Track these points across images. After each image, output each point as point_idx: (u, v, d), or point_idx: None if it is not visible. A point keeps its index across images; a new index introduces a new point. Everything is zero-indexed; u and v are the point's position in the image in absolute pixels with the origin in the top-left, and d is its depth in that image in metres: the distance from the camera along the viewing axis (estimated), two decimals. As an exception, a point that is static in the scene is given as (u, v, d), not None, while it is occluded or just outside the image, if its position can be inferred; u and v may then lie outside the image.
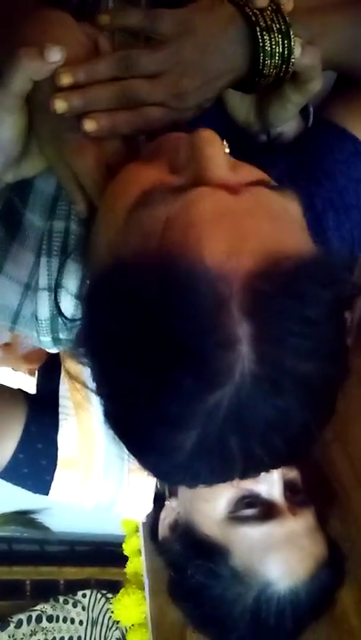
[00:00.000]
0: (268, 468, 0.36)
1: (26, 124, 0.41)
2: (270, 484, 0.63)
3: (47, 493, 0.69)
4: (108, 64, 0.39)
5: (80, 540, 1.85)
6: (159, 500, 0.74)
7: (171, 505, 0.72)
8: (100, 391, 0.36)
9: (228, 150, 0.37)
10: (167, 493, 0.73)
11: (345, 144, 0.52)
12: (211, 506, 0.65)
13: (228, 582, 0.63)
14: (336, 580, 0.65)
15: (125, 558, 1.16)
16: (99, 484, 0.69)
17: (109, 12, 0.41)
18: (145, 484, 0.72)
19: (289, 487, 0.65)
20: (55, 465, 0.66)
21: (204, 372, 0.30)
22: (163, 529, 0.73)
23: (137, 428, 0.34)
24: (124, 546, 1.15)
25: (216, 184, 0.34)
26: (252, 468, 0.35)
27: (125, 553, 1.14)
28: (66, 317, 0.48)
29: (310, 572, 0.61)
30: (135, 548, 1.11)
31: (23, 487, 0.69)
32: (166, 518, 0.73)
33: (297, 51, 0.42)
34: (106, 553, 1.75)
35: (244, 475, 0.35)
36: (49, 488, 0.68)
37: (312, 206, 0.50)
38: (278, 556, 0.61)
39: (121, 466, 0.70)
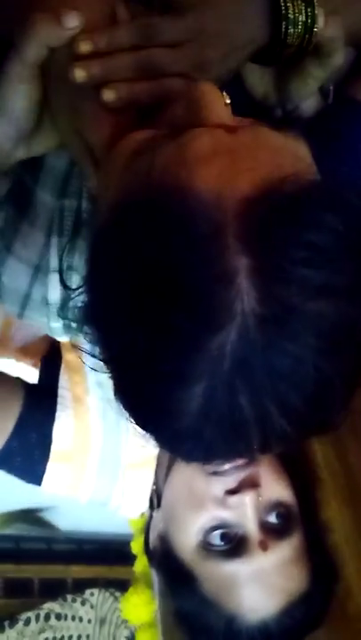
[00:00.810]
0: (289, 436, 0.32)
1: (40, 95, 0.39)
2: (243, 513, 0.61)
3: (39, 484, 0.68)
4: (129, 32, 0.38)
5: (88, 539, 1.84)
6: (152, 507, 0.74)
7: (157, 517, 0.71)
8: (105, 358, 0.34)
9: (228, 101, 0.35)
10: (155, 503, 0.72)
11: None
12: (183, 534, 0.64)
13: (199, 607, 0.63)
14: (318, 608, 0.63)
15: (133, 557, 1.14)
16: (92, 479, 0.68)
17: None
18: (141, 480, 0.71)
19: (274, 509, 0.63)
20: (48, 457, 0.65)
21: (200, 311, 0.27)
22: (152, 539, 0.72)
23: (140, 391, 0.32)
24: (132, 544, 1.13)
25: (213, 124, 0.32)
26: (272, 437, 0.31)
27: (133, 551, 1.13)
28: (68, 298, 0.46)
29: (281, 608, 0.60)
30: (143, 547, 1.10)
31: (16, 476, 0.69)
32: (155, 528, 0.72)
33: (320, 20, 0.41)
34: (114, 552, 1.74)
35: (265, 446, 0.32)
36: (41, 479, 0.68)
37: (335, 185, 0.48)
38: (244, 592, 0.60)
39: (117, 461, 0.69)
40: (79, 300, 0.46)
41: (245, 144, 0.31)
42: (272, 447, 0.33)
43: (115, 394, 0.34)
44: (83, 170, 0.41)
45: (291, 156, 0.32)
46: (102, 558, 1.77)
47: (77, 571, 1.73)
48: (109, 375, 0.34)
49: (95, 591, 1.67)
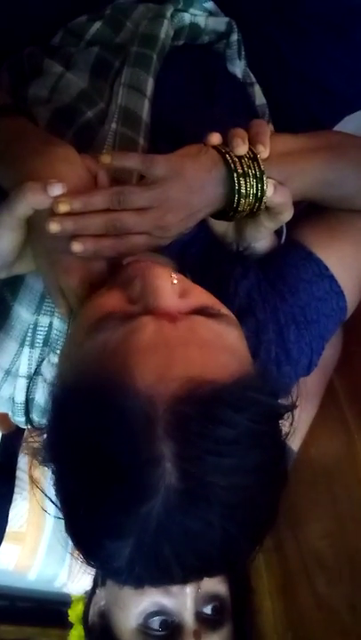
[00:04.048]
0: (206, 574, 0.40)
1: (23, 238, 0.46)
2: (183, 603, 0.65)
3: None
4: (102, 198, 0.45)
5: (22, 596, 1.77)
6: (96, 584, 0.76)
7: (100, 594, 0.74)
8: (57, 496, 0.40)
9: (176, 282, 0.42)
10: (99, 581, 0.75)
11: (310, 265, 0.57)
12: (124, 614, 0.67)
13: None
14: None
15: (68, 621, 1.13)
16: (41, 560, 0.71)
17: (111, 153, 0.46)
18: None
19: (210, 602, 0.67)
20: (2, 538, 0.68)
21: (133, 486, 0.34)
22: (92, 614, 0.75)
23: (81, 534, 0.39)
24: (69, 612, 1.12)
25: (159, 313, 0.39)
26: (191, 575, 0.39)
27: (70, 620, 1.12)
28: (29, 416, 0.51)
29: None
30: (81, 616, 1.09)
31: None
32: (96, 604, 0.74)
33: (269, 191, 0.48)
34: (48, 612, 1.68)
35: (186, 581, 0.39)
36: None
37: (276, 320, 0.55)
38: None
39: (65, 544, 0.71)
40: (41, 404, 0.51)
41: (181, 339, 0.38)
42: (192, 581, 0.40)
43: (64, 527, 0.39)
44: (53, 300, 0.47)
45: (217, 349, 0.39)
46: (36, 618, 1.71)
47: (8, 631, 1.67)
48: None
49: (24, 654, 1.60)
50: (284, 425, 0.41)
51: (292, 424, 0.41)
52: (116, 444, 0.34)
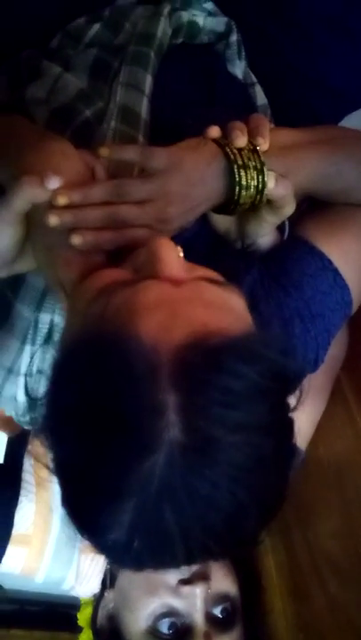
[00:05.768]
0: (211, 552, 0.36)
1: (23, 234, 0.45)
2: (192, 604, 0.65)
3: None
4: (101, 190, 0.45)
5: (31, 600, 1.77)
6: (105, 586, 0.76)
7: (109, 596, 0.74)
8: (54, 467, 0.38)
9: (182, 254, 0.42)
10: (108, 583, 0.74)
11: (313, 259, 0.57)
12: (133, 616, 0.67)
13: None
14: None
15: (77, 625, 1.12)
16: (48, 562, 0.70)
17: (109, 145, 0.46)
18: (94, 564, 0.74)
19: (220, 602, 0.66)
20: (8, 539, 0.67)
21: (134, 438, 0.32)
22: (101, 617, 0.74)
23: (80, 501, 0.36)
24: (78, 615, 1.11)
25: (164, 276, 0.38)
26: (194, 550, 0.35)
27: (80, 623, 1.11)
28: (35, 399, 0.51)
29: None
30: (90, 619, 1.08)
31: None
32: (105, 607, 0.74)
33: (270, 184, 0.48)
34: (57, 615, 1.68)
35: (189, 558, 0.36)
36: (0, 560, 0.69)
37: (281, 314, 0.55)
38: None
39: (72, 546, 0.71)
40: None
41: (185, 298, 0.37)
42: (196, 559, 0.37)
43: (61, 501, 0.38)
44: (55, 294, 0.47)
45: (222, 310, 0.38)
46: (45, 622, 1.70)
47: (17, 635, 1.66)
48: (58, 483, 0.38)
49: (34, 659, 1.60)
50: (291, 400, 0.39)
51: (300, 397, 0.40)
52: (117, 392, 0.32)
